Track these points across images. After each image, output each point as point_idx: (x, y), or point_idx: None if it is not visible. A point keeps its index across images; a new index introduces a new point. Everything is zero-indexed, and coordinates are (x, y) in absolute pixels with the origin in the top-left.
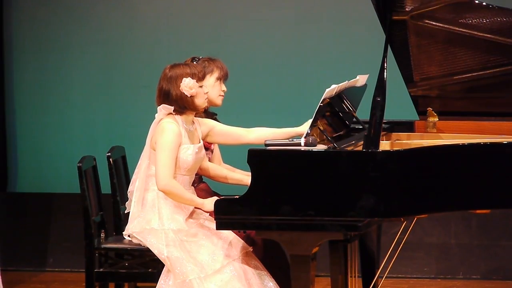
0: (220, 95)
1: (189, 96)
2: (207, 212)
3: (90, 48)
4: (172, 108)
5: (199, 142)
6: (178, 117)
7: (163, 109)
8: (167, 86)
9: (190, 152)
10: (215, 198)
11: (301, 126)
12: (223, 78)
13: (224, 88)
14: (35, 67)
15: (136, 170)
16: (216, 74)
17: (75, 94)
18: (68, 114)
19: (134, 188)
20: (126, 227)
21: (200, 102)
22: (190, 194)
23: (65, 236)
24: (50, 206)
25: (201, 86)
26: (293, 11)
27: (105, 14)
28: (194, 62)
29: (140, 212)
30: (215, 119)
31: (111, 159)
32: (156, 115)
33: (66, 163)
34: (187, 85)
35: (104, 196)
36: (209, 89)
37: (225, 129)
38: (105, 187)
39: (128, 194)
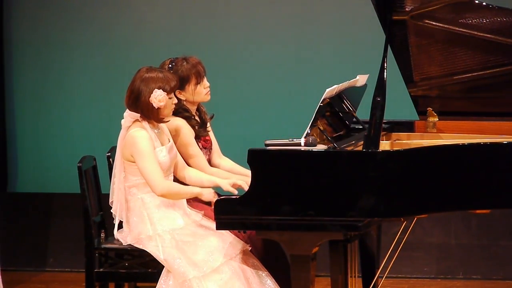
0: (206, 94)
1: (156, 107)
2: (205, 201)
3: (90, 48)
4: (138, 115)
5: (169, 141)
6: (144, 122)
7: (129, 116)
8: (137, 92)
9: (164, 154)
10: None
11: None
12: (202, 77)
13: (207, 84)
14: (35, 67)
15: (113, 180)
16: (193, 80)
17: (75, 94)
18: (68, 114)
19: (114, 200)
20: (118, 234)
21: (166, 112)
22: (186, 187)
23: (65, 236)
24: (50, 206)
25: (170, 98)
26: (293, 11)
27: (104, 14)
28: (172, 65)
29: (130, 222)
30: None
31: (111, 159)
32: (122, 121)
33: (66, 163)
34: (157, 98)
35: (104, 196)
36: (192, 96)
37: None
38: (105, 187)
39: (111, 204)
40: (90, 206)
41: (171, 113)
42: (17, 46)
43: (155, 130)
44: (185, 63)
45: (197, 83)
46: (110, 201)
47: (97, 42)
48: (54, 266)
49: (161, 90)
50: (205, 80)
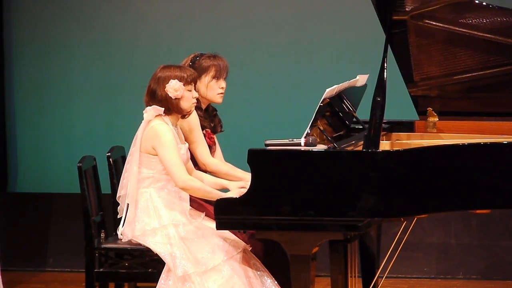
0: (218, 93)
1: (173, 98)
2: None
3: (90, 48)
4: (162, 109)
5: (184, 143)
6: (166, 117)
7: (153, 110)
8: (154, 86)
9: (183, 152)
10: (240, 184)
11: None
12: (221, 75)
13: (223, 85)
14: (35, 67)
15: (124, 175)
16: (212, 73)
17: (75, 94)
18: (68, 114)
19: (127, 193)
20: (122, 230)
21: (186, 106)
22: (210, 188)
23: (65, 236)
24: (50, 206)
25: (189, 90)
26: (293, 11)
27: (105, 14)
28: (197, 58)
29: (136, 216)
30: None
31: (111, 159)
32: (144, 115)
33: (66, 163)
34: (173, 87)
35: (104, 196)
36: (204, 89)
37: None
38: (105, 187)
39: (118, 199)
40: (90, 206)
41: (193, 108)
42: (17, 45)
43: (175, 128)
44: (211, 57)
45: (215, 77)
46: (117, 195)
47: (97, 42)
48: (54, 266)
49: (176, 80)
50: (223, 80)
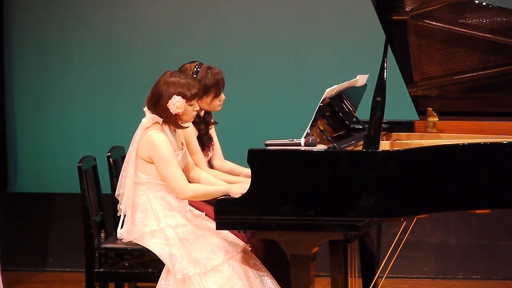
0: (218, 105)
1: (174, 114)
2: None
3: (90, 48)
4: (161, 120)
5: (182, 145)
6: (165, 126)
7: (152, 118)
8: (159, 94)
9: (179, 159)
10: (241, 184)
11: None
12: (221, 92)
13: (223, 98)
14: (35, 67)
15: (122, 174)
16: (213, 94)
17: (75, 94)
18: (68, 114)
19: (123, 195)
20: (121, 231)
21: (186, 119)
22: (212, 188)
23: (65, 236)
24: (50, 206)
25: (191, 105)
26: (293, 11)
27: (105, 14)
28: (197, 69)
29: (134, 217)
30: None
31: (111, 159)
32: (143, 119)
33: (66, 163)
34: (175, 104)
35: (104, 196)
36: (207, 106)
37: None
38: (105, 187)
39: (117, 197)
40: (90, 206)
41: (191, 120)
42: (17, 46)
43: (173, 133)
44: (209, 74)
45: (215, 96)
46: (116, 193)
47: (97, 42)
48: (54, 266)
49: (180, 96)
50: (222, 94)
